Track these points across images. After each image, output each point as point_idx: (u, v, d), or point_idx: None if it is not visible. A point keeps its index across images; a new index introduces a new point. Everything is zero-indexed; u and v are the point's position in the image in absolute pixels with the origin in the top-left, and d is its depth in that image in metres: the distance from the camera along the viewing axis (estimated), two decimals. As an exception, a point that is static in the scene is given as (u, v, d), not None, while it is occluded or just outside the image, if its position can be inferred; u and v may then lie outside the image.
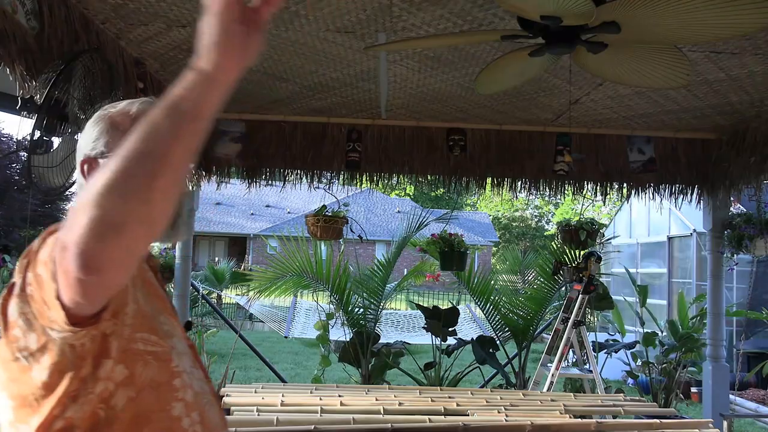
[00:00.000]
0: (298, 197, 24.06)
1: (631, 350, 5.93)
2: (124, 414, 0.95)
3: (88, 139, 1.11)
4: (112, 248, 0.75)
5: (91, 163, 1.10)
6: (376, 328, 5.43)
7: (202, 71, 0.77)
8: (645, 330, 5.86)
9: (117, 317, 0.95)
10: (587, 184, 4.48)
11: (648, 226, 9.69)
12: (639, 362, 5.92)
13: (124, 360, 0.96)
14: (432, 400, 3.08)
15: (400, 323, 8.51)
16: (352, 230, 4.57)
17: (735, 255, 4.34)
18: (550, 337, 4.74)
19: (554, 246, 5.69)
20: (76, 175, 1.13)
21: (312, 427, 2.44)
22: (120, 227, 0.74)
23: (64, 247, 0.76)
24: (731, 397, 5.21)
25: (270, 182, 4.50)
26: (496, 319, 5.68)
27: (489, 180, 4.47)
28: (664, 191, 4.49)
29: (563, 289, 5.32)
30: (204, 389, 1.11)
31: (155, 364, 1.00)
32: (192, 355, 1.14)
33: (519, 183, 4.46)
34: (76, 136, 2.31)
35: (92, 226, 0.74)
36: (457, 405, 2.97)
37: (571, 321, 4.37)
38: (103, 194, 0.74)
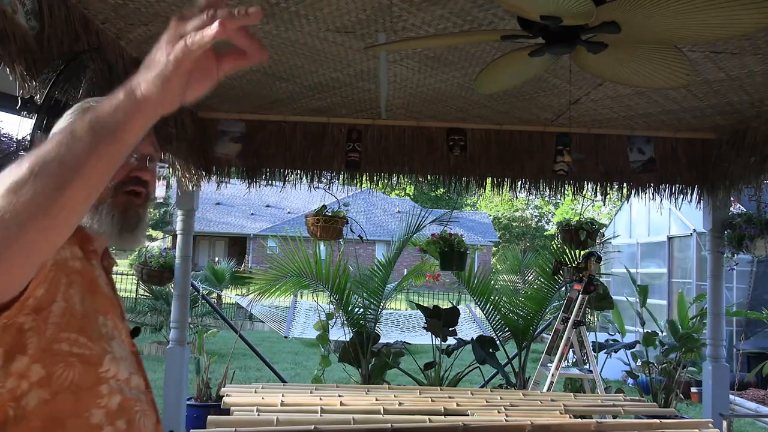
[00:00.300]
0: (298, 197, 24.07)
1: (631, 350, 5.94)
2: (34, 415, 0.91)
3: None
4: (4, 246, 0.72)
5: None
6: (376, 328, 5.43)
7: (135, 97, 0.73)
8: (645, 330, 5.86)
9: (39, 314, 0.92)
10: (587, 184, 4.48)
11: (648, 226, 9.70)
12: (639, 362, 5.92)
13: (43, 359, 0.92)
14: (432, 400, 3.08)
15: (400, 323, 8.51)
16: (352, 230, 4.58)
17: (735, 255, 4.34)
18: (550, 337, 4.74)
19: (554, 246, 5.70)
20: None
21: (312, 427, 2.44)
22: (15, 228, 0.71)
23: None
24: (731, 397, 5.21)
25: (270, 182, 4.50)
26: (496, 319, 5.69)
27: (489, 180, 4.47)
28: (664, 191, 4.49)
29: (563, 289, 5.32)
30: (140, 398, 1.07)
31: (80, 366, 0.96)
32: (134, 362, 1.10)
33: (519, 183, 4.46)
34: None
35: None
36: (457, 405, 2.97)
37: (571, 321, 4.37)
38: (5, 192, 0.71)
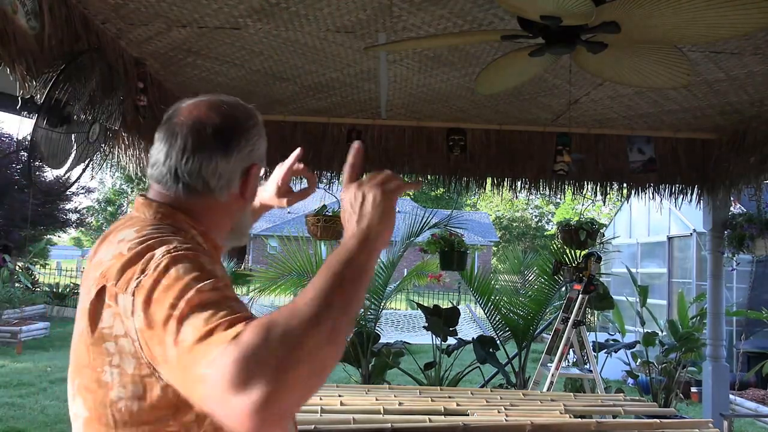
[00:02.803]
0: (298, 197, 24.01)
1: (631, 350, 5.94)
2: None
3: (258, 142, 1.12)
4: (295, 402, 0.73)
5: (252, 170, 1.11)
6: (376, 327, 5.43)
7: (370, 240, 0.88)
8: (645, 330, 5.86)
9: None
10: (587, 184, 4.48)
11: (648, 226, 9.69)
12: (639, 362, 5.92)
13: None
14: (432, 400, 3.07)
15: (401, 323, 8.52)
16: (352, 230, 4.56)
17: (736, 255, 4.34)
18: (550, 337, 4.74)
19: (554, 246, 5.70)
20: (228, 182, 1.09)
21: (312, 427, 2.43)
22: (318, 377, 0.75)
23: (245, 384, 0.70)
24: (731, 396, 5.21)
25: (270, 182, 4.49)
26: (497, 318, 5.69)
27: (489, 180, 4.47)
28: (664, 191, 4.49)
29: (563, 289, 5.32)
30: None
31: None
32: None
33: (519, 183, 4.46)
34: (73, 136, 2.32)
35: (300, 379, 0.72)
36: (457, 405, 2.97)
37: (571, 321, 4.37)
38: (314, 348, 0.73)
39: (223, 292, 0.84)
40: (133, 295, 0.86)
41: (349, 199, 0.95)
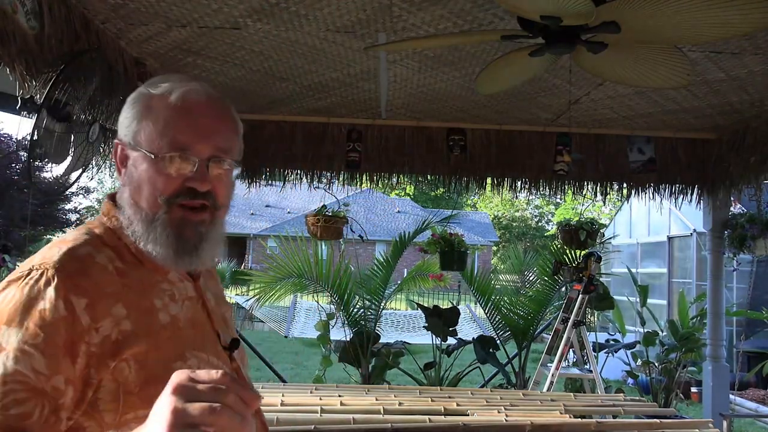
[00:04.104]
0: (298, 197, 24.07)
1: (631, 350, 5.94)
2: None
3: (124, 120, 0.98)
4: None
5: (123, 149, 0.97)
6: (376, 328, 5.43)
7: None
8: (645, 330, 5.86)
9: (90, 406, 0.82)
10: (587, 184, 4.49)
11: (648, 226, 9.69)
12: (639, 362, 5.92)
13: None
14: (432, 400, 3.08)
15: (400, 323, 8.52)
16: (352, 230, 4.57)
17: (737, 255, 4.34)
18: (550, 337, 4.74)
19: (554, 246, 5.69)
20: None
21: (312, 427, 2.44)
22: None
23: None
24: (731, 397, 5.21)
25: (270, 182, 4.50)
26: (497, 318, 5.69)
27: (489, 180, 4.48)
28: (664, 191, 4.49)
29: (563, 289, 5.32)
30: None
31: None
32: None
33: (519, 183, 4.46)
34: (73, 136, 2.32)
35: None
36: (457, 405, 2.97)
37: (571, 321, 4.37)
38: None
39: (15, 366, 0.74)
40: None
41: (160, 398, 0.65)
